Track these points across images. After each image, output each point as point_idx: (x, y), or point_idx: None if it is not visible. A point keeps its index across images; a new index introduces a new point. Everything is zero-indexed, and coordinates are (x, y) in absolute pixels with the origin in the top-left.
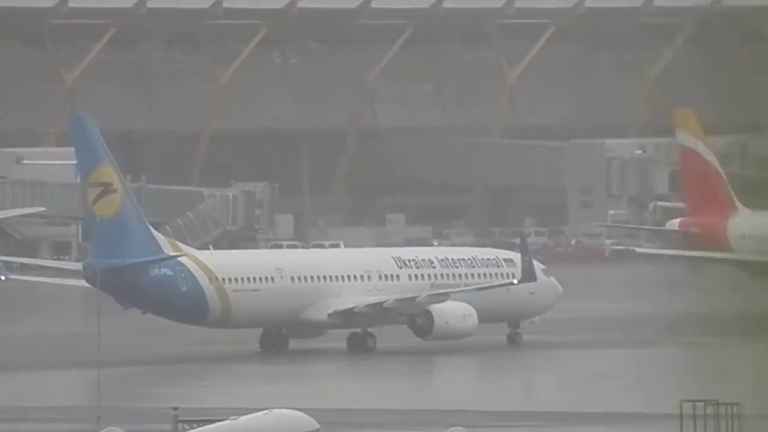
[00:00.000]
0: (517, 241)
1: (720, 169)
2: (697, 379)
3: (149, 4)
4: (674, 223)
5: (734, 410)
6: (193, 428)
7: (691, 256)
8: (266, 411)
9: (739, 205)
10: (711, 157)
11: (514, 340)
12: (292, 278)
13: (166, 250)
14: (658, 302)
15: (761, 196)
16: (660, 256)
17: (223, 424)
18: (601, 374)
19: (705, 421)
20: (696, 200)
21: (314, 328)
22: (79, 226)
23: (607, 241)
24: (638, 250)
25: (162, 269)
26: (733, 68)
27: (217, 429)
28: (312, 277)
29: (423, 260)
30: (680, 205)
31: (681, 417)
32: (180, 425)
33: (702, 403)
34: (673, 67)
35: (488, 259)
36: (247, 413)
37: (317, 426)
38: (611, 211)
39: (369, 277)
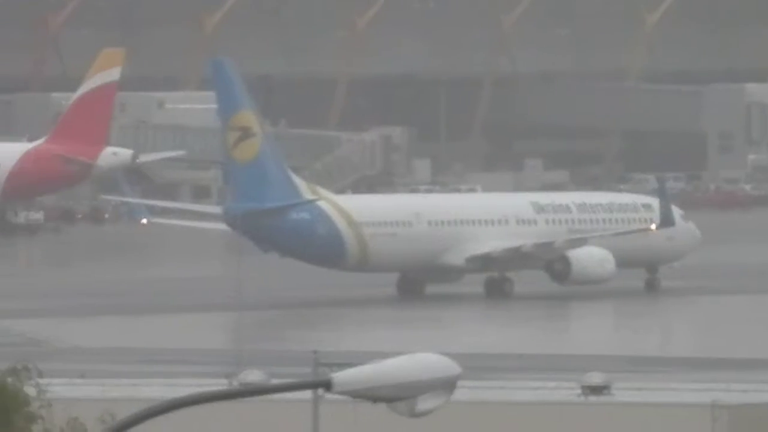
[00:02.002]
0: (656, 186)
1: None
2: None
3: None
4: None
5: None
6: (333, 371)
7: None
8: (410, 355)
9: None
10: None
11: (652, 286)
12: (430, 222)
13: (304, 194)
14: None
15: None
16: None
17: (367, 367)
18: (741, 320)
19: None
20: None
21: (451, 273)
22: (220, 170)
23: (746, 187)
24: None
25: (300, 213)
26: None
27: (361, 372)
28: (449, 222)
29: (560, 205)
30: None
31: None
32: (320, 368)
33: None
34: None
35: (626, 204)
36: (384, 357)
37: (460, 370)
38: (751, 156)
39: (506, 222)
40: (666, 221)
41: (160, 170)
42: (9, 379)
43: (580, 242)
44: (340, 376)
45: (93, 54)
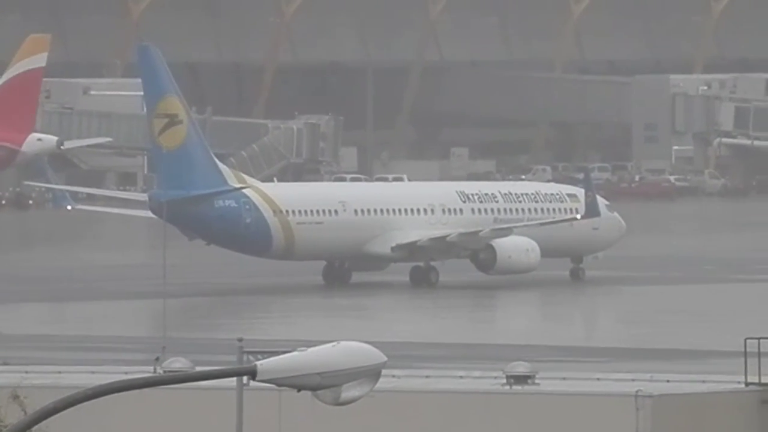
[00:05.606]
0: (581, 176)
1: None
2: (761, 316)
3: None
4: None
5: None
6: (258, 359)
7: None
8: (335, 343)
9: None
10: None
11: (576, 276)
12: (356, 211)
13: (230, 182)
14: (722, 239)
15: None
16: (727, 191)
17: (291, 356)
18: (664, 311)
19: None
20: None
21: (377, 262)
22: (145, 158)
23: (670, 177)
24: None
25: (226, 201)
26: None
27: (285, 360)
28: (375, 211)
29: (486, 194)
30: (746, 141)
31: (745, 354)
32: (245, 356)
33: (767, 341)
34: (739, 1)
35: (551, 194)
36: (310, 345)
37: (385, 359)
38: (675, 147)
39: (432, 211)
40: (591, 211)
41: (86, 157)
42: None
43: (506, 232)
44: (264, 364)
45: (19, 40)
